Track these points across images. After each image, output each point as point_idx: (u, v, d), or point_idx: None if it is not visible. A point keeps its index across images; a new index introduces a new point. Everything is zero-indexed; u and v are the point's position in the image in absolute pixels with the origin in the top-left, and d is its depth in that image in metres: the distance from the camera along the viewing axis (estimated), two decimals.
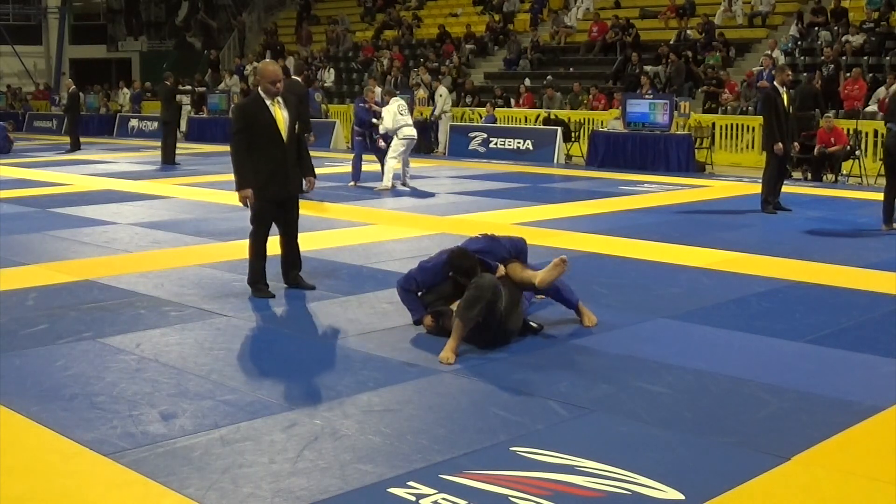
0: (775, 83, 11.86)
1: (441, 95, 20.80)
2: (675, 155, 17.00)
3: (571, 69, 23.75)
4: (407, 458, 4.06)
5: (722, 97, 19.67)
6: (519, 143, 19.69)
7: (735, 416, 4.60)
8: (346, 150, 21.35)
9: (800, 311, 6.70)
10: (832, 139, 15.34)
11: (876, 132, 16.32)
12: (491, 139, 20.11)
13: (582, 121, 19.87)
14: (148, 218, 11.23)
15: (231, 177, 7.23)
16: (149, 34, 38.58)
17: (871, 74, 18.42)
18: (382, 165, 14.32)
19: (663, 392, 4.95)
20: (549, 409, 4.70)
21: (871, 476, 3.94)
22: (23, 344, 5.83)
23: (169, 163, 18.47)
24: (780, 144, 11.47)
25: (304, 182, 7.38)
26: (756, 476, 3.87)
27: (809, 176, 15.73)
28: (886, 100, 16.79)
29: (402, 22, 29.25)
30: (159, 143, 19.36)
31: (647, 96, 17.96)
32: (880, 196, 10.69)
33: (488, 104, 21.42)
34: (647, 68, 21.16)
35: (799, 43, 20.70)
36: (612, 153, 17.71)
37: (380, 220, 10.96)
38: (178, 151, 18.99)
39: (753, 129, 17.64)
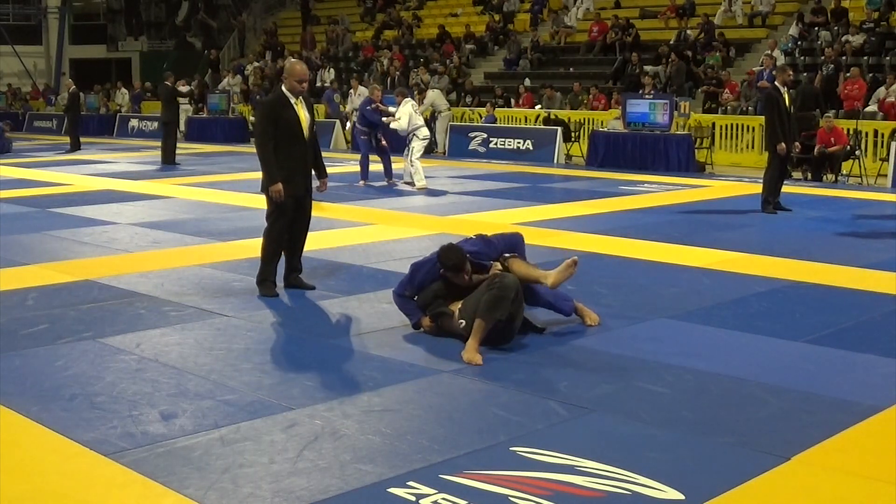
0: (776, 83, 11.87)
1: (427, 97, 20.48)
2: (675, 155, 16.99)
3: (571, 69, 23.74)
4: (407, 458, 4.06)
5: (722, 97, 19.66)
6: (519, 143, 19.68)
7: (735, 416, 4.60)
8: (346, 150, 21.39)
9: (800, 311, 6.70)
10: (832, 139, 15.34)
11: (876, 132, 16.33)
12: (491, 139, 20.10)
13: (582, 121, 19.87)
14: (148, 218, 11.23)
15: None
16: (149, 34, 38.55)
17: (871, 74, 18.41)
18: (386, 165, 14.71)
19: (663, 392, 4.95)
20: (549, 409, 4.69)
21: (871, 476, 3.94)
22: (23, 344, 5.83)
23: (169, 163, 18.46)
24: (783, 144, 11.47)
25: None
26: (756, 476, 3.87)
27: (809, 176, 15.72)
28: (887, 100, 16.88)
29: (402, 22, 29.24)
30: (159, 144, 19.34)
31: (648, 96, 17.95)
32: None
33: (488, 104, 21.42)
34: (647, 68, 21.14)
35: (799, 43, 20.69)
36: (612, 153, 17.70)
37: (380, 220, 10.96)
38: (177, 151, 19.00)
39: (753, 129, 17.64)
